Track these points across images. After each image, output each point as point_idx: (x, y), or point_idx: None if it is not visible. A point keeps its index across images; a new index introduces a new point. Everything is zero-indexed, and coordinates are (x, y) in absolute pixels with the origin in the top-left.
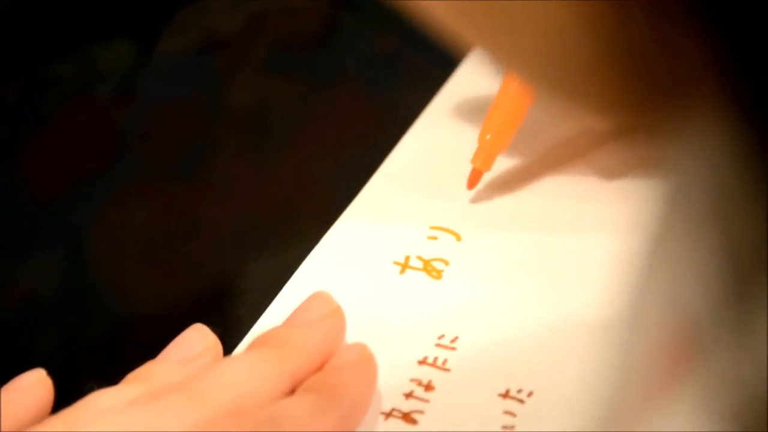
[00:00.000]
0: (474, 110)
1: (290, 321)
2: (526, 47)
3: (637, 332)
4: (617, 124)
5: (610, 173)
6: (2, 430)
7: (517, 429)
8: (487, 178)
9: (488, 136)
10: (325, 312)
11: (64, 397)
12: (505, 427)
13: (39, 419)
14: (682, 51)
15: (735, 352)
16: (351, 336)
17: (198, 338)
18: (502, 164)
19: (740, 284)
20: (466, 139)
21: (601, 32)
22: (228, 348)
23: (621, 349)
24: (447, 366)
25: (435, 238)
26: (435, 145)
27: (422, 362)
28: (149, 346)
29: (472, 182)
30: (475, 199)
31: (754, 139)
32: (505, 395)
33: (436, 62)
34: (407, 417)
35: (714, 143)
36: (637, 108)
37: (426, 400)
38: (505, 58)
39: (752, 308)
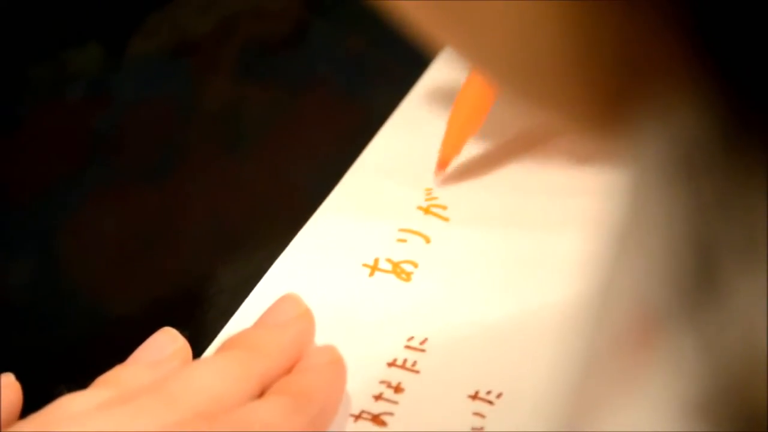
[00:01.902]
0: (443, 113)
1: (259, 323)
2: (490, 46)
3: (601, 326)
4: (581, 124)
5: (575, 167)
6: None
7: (486, 430)
8: (454, 179)
9: (457, 121)
10: (294, 314)
11: (34, 400)
12: (474, 428)
13: (8, 423)
14: (651, 39)
15: (698, 341)
16: (320, 338)
17: (167, 341)
18: (469, 166)
19: (705, 273)
20: (435, 142)
21: (568, 29)
22: (197, 351)
23: (586, 344)
24: (416, 368)
25: (404, 240)
26: (404, 147)
27: (391, 364)
28: (119, 350)
29: (441, 166)
30: (444, 182)
31: (727, 126)
32: (475, 396)
33: (406, 64)
34: (377, 419)
35: (683, 131)
36: (602, 106)
37: (395, 402)
38: (470, 56)
39: (717, 297)
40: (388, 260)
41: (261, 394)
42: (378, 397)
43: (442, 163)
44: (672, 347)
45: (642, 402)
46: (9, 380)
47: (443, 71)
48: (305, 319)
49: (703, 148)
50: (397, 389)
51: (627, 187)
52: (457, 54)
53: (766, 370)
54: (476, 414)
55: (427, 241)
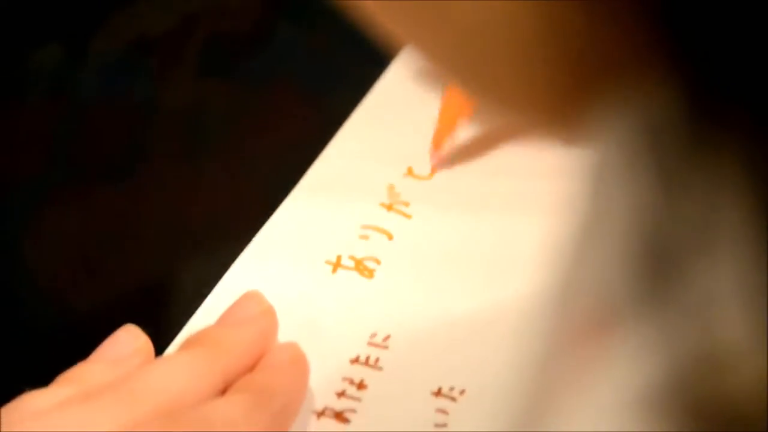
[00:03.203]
0: (405, 110)
1: (222, 321)
2: (451, 42)
3: (561, 318)
4: (544, 118)
5: (538, 157)
6: None
7: (449, 427)
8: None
9: (450, 102)
10: (256, 312)
11: None
12: (437, 425)
13: None
14: (618, 27)
15: (656, 332)
16: (283, 336)
17: (129, 339)
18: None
19: (666, 263)
20: (397, 139)
21: (535, 17)
22: (159, 348)
23: (546, 338)
24: (379, 365)
25: (367, 237)
26: (365, 145)
27: (354, 361)
28: (81, 347)
29: (435, 146)
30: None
31: (691, 112)
32: (438, 393)
33: (369, 63)
34: (339, 416)
35: (648, 117)
36: (567, 95)
37: (358, 399)
38: (430, 55)
39: (676, 288)
40: (351, 257)
41: (223, 391)
42: (341, 394)
43: (436, 144)
44: (630, 338)
45: (600, 394)
46: None
47: (404, 67)
48: (267, 316)
49: (668, 134)
50: (360, 386)
51: (590, 179)
52: (416, 52)
53: (723, 361)
54: (439, 411)
55: (390, 237)
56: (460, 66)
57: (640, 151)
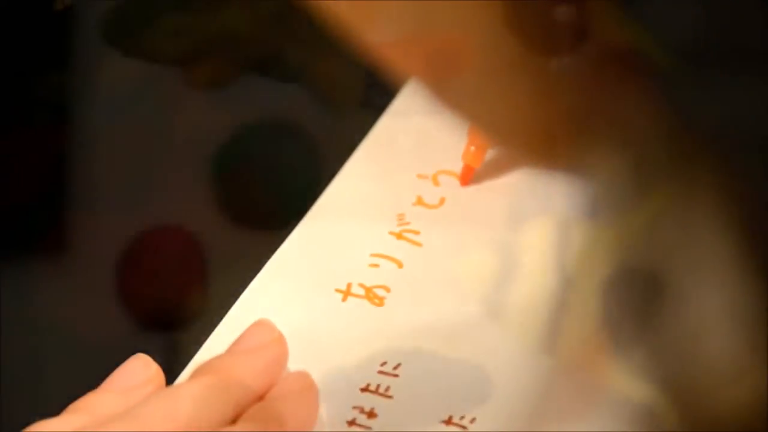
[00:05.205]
0: (412, 139)
1: (232, 349)
2: (462, 95)
3: (561, 345)
4: (547, 158)
5: (538, 188)
6: None
7: None
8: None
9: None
10: (267, 340)
11: (5, 428)
12: None
13: None
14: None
15: (648, 354)
16: (293, 364)
17: (140, 368)
18: (447, 191)
19: (652, 292)
20: (408, 167)
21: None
22: (170, 377)
23: (548, 362)
24: (389, 393)
25: (377, 265)
26: (375, 173)
27: (365, 389)
28: (92, 376)
29: (464, 178)
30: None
31: (671, 151)
32: (448, 422)
33: (379, 90)
34: None
35: (631, 158)
36: (563, 140)
37: (368, 428)
38: (445, 103)
39: (665, 313)
40: (361, 285)
41: (234, 420)
42: (351, 423)
43: (466, 176)
44: (624, 360)
45: (599, 412)
46: None
47: (412, 97)
48: (278, 344)
49: (649, 168)
50: (371, 414)
51: (585, 210)
52: (433, 99)
53: (712, 382)
54: None
55: (400, 265)
56: (472, 112)
57: (625, 185)
